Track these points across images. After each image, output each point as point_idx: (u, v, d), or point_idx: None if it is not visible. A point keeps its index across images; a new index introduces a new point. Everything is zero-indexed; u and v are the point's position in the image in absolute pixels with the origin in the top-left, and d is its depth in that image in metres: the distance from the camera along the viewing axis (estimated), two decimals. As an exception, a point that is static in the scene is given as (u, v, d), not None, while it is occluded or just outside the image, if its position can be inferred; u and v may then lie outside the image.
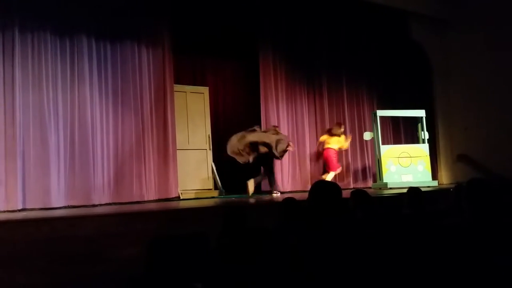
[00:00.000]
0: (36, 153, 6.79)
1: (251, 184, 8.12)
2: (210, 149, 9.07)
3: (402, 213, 4.42)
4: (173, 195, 7.99)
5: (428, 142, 10.10)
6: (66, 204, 6.94)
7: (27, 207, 6.60)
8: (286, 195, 6.81)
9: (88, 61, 7.39)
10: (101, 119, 7.47)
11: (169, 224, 5.17)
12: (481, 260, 2.44)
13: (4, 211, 6.31)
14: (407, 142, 10.93)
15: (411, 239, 2.63)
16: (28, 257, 4.24)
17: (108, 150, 7.49)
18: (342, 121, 10.27)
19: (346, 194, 3.10)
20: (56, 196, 6.85)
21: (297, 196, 5.26)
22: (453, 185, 6.93)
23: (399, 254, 2.40)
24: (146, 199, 7.68)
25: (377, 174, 9.94)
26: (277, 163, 9.22)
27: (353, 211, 3.99)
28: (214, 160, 9.04)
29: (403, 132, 11.37)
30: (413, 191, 4.39)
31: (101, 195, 7.26)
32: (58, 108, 7.09)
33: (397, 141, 11.08)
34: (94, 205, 7.07)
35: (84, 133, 7.24)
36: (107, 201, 7.30)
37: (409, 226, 3.42)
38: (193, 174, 8.75)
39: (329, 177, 9.24)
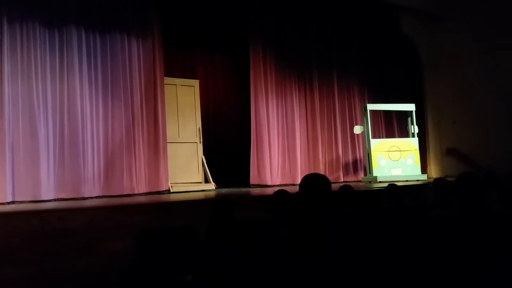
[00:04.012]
0: (25, 145, 6.73)
1: None
2: (200, 142, 9.04)
3: (382, 207, 4.74)
4: (164, 188, 7.97)
5: (417, 136, 10.17)
6: (56, 197, 6.91)
7: (17, 199, 6.55)
8: (275, 189, 6.82)
9: (77, 53, 7.33)
10: (91, 111, 7.42)
11: (159, 217, 5.18)
12: (469, 253, 2.47)
13: (-7, 204, 6.27)
14: (397, 136, 11.00)
15: (391, 230, 2.69)
16: (17, 250, 4.23)
17: (98, 143, 7.45)
18: (333, 115, 10.38)
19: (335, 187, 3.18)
20: (46, 188, 6.81)
21: (286, 189, 5.28)
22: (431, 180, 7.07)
23: (382, 246, 2.43)
24: (136, 192, 7.65)
25: (367, 168, 9.98)
26: (266, 156, 9.24)
27: (341, 205, 4.15)
28: (204, 153, 9.03)
29: (393, 126, 11.43)
30: (392, 187, 4.96)
31: (91, 188, 7.23)
32: (48, 99, 7.03)
33: (387, 134, 11.14)
34: (84, 198, 7.04)
35: (74, 125, 7.19)
36: (97, 194, 7.26)
37: (389, 218, 3.58)
38: (184, 167, 8.72)
39: None
